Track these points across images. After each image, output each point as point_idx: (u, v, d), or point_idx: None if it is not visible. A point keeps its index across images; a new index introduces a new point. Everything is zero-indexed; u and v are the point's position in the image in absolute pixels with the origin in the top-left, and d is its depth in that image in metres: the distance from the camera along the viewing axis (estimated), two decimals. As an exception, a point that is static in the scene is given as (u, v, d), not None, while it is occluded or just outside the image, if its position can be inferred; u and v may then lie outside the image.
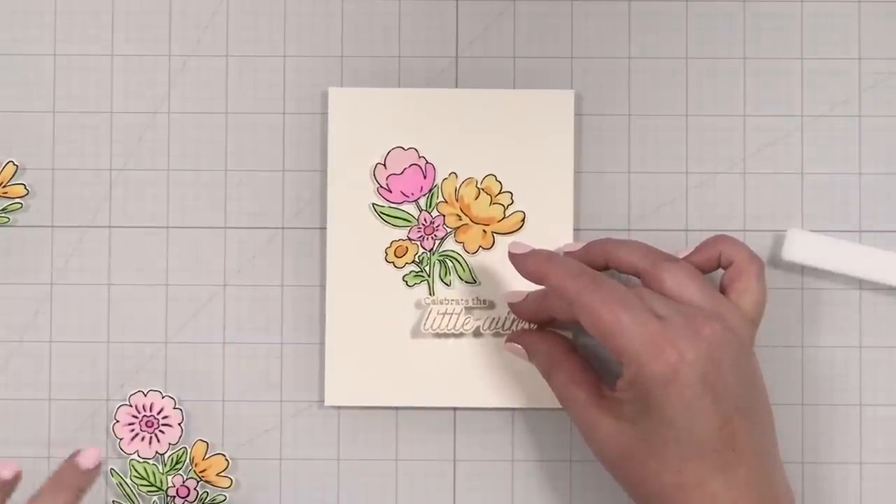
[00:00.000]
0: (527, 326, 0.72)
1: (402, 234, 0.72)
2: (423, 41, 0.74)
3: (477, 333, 0.72)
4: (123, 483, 0.72)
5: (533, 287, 0.68)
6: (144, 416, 0.72)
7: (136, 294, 0.73)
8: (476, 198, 0.72)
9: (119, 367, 0.73)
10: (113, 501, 0.72)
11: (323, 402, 0.72)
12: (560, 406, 0.68)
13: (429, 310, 0.72)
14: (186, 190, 0.73)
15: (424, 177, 0.72)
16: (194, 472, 0.72)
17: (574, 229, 0.72)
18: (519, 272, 0.67)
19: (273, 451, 0.73)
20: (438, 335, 0.72)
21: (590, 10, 0.74)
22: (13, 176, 0.73)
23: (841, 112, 0.73)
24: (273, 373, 0.73)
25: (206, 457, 0.72)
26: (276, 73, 0.74)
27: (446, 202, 0.72)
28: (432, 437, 0.73)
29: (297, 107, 0.74)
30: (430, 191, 0.72)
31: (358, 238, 0.72)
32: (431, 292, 0.72)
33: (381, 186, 0.72)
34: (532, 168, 0.72)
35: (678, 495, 0.62)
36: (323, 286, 0.73)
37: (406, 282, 0.72)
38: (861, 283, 0.73)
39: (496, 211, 0.72)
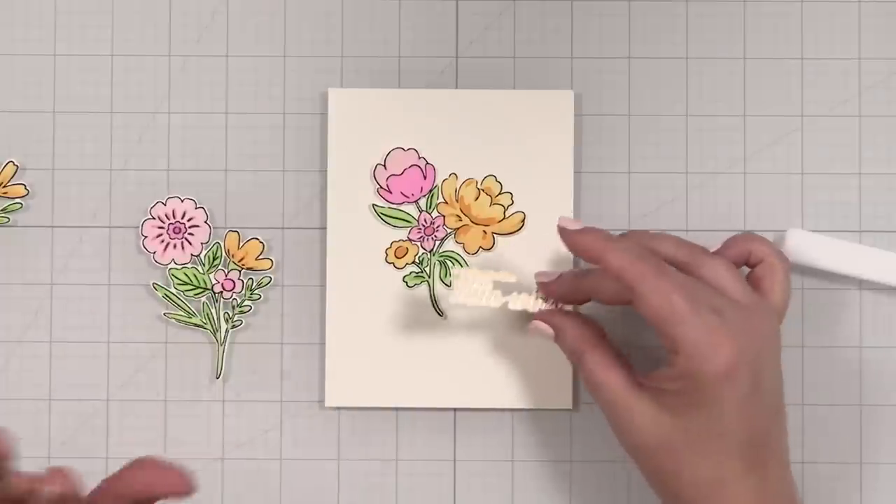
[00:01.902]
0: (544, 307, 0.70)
1: (402, 234, 0.72)
2: (423, 41, 0.74)
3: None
4: (169, 294, 0.72)
5: (564, 267, 0.67)
6: (170, 223, 0.72)
7: (137, 294, 0.73)
8: (476, 198, 0.72)
9: (119, 367, 0.73)
10: (164, 314, 0.73)
11: (323, 402, 0.72)
12: (568, 402, 0.68)
13: (456, 275, 0.69)
14: (187, 190, 0.73)
15: (424, 177, 0.72)
16: (233, 262, 0.73)
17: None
18: (569, 248, 0.66)
19: (273, 451, 0.73)
20: (438, 335, 0.72)
21: (590, 10, 0.74)
22: (13, 176, 0.73)
23: (841, 112, 0.73)
24: (273, 373, 0.73)
25: (241, 245, 0.73)
26: (276, 73, 0.74)
27: (446, 203, 0.72)
28: (432, 437, 0.73)
29: (297, 107, 0.74)
30: (430, 191, 0.72)
31: (358, 238, 0.72)
32: (432, 293, 0.72)
33: (381, 187, 0.72)
34: (532, 168, 0.72)
35: (713, 489, 0.62)
36: (323, 286, 0.73)
37: (406, 282, 0.72)
38: (861, 283, 0.73)
39: (496, 211, 0.72)
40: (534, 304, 0.69)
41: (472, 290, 0.68)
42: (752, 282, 0.67)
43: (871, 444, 0.73)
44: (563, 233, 0.66)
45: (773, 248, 0.67)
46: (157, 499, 0.55)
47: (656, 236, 0.67)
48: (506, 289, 0.69)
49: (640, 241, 0.66)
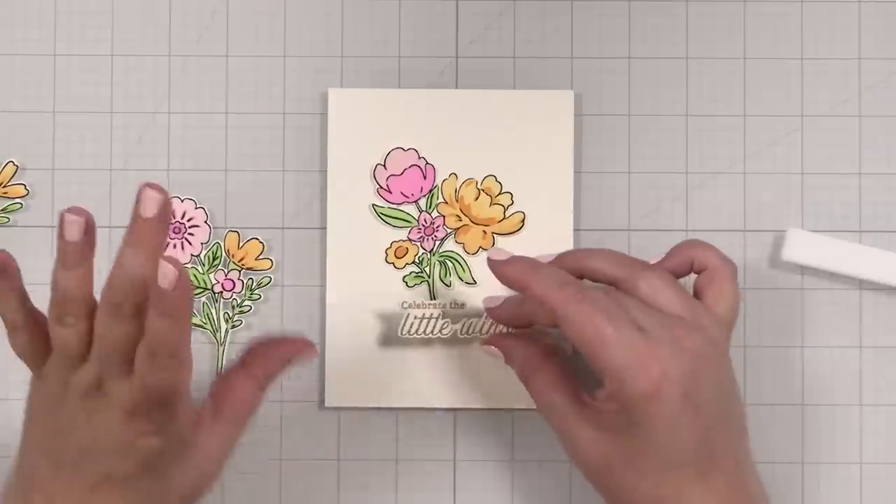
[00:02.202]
0: (503, 329, 0.71)
1: (402, 234, 0.72)
2: (423, 41, 0.74)
3: (454, 338, 0.72)
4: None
5: (510, 291, 0.68)
6: (170, 224, 0.72)
7: (136, 294, 0.73)
8: (476, 198, 0.72)
9: (119, 368, 0.73)
10: None
11: (323, 402, 0.72)
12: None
13: (406, 314, 0.72)
14: (186, 190, 0.73)
15: (424, 177, 0.72)
16: (233, 262, 0.73)
17: (574, 229, 0.72)
18: (499, 280, 0.66)
19: (273, 451, 0.73)
20: (438, 335, 0.72)
21: (590, 10, 0.74)
22: (13, 176, 0.73)
23: (841, 112, 0.73)
24: (273, 373, 0.73)
25: (241, 245, 0.73)
26: (276, 73, 0.74)
27: (446, 203, 0.72)
28: (432, 438, 0.73)
29: (297, 107, 0.74)
30: (430, 191, 0.72)
31: (358, 239, 0.72)
32: (432, 293, 0.72)
33: (381, 187, 0.72)
34: (532, 168, 0.72)
35: None
36: (323, 286, 0.73)
37: (406, 282, 0.72)
38: (861, 283, 0.73)
39: (496, 211, 0.72)
40: (484, 329, 0.71)
41: (423, 321, 0.71)
42: (697, 290, 0.67)
43: (871, 444, 0.73)
44: (491, 265, 0.67)
45: (717, 254, 0.67)
46: (288, 366, 0.68)
47: (592, 253, 0.67)
48: (455, 317, 0.71)
49: (576, 260, 0.67)
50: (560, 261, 0.68)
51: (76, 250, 0.61)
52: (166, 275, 0.58)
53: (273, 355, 0.68)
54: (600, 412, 0.63)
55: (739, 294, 0.66)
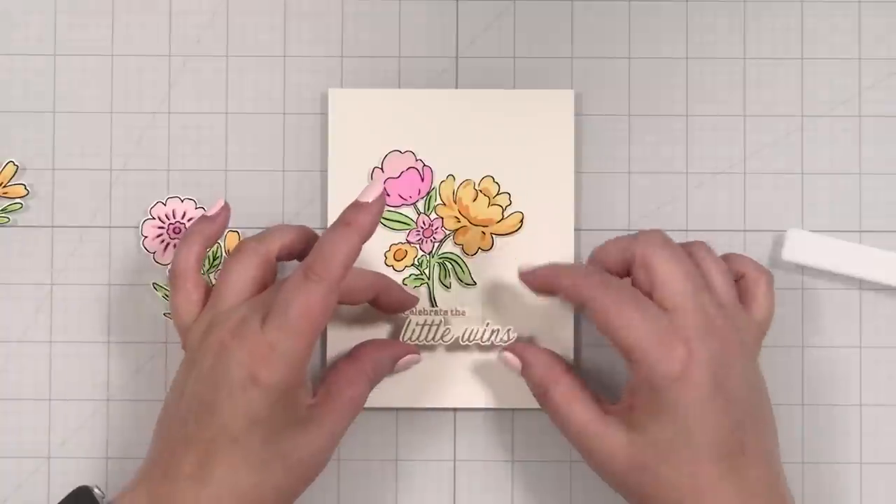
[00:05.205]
0: (513, 340, 0.71)
1: (401, 237, 0.72)
2: (423, 41, 0.74)
3: (455, 346, 0.72)
4: (169, 294, 0.72)
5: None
6: (170, 223, 0.73)
7: (137, 294, 0.73)
8: (474, 199, 0.72)
9: (119, 368, 0.73)
10: (164, 314, 0.73)
11: (323, 402, 0.72)
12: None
13: (407, 320, 0.72)
14: (187, 190, 0.73)
15: (422, 179, 0.72)
16: None
17: (574, 229, 0.72)
18: (530, 289, 0.68)
19: (273, 451, 0.73)
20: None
21: (590, 10, 0.74)
22: (13, 176, 0.73)
23: (841, 112, 0.73)
24: (273, 373, 0.73)
25: None
26: (276, 73, 0.74)
27: (444, 204, 0.72)
28: (432, 438, 0.73)
29: (298, 107, 0.74)
30: (428, 193, 0.72)
31: (357, 240, 0.72)
32: (432, 295, 0.72)
33: (380, 188, 0.72)
34: (531, 168, 0.72)
35: (693, 501, 0.62)
36: (323, 286, 0.73)
37: (406, 285, 0.72)
38: (861, 283, 0.73)
39: (494, 212, 0.72)
40: (485, 336, 0.71)
41: (424, 328, 0.71)
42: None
43: (871, 444, 0.73)
44: (522, 277, 0.68)
45: (752, 263, 0.68)
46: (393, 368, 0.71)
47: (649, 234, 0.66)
48: (457, 324, 0.71)
49: (662, 236, 0.66)
50: (612, 245, 0.67)
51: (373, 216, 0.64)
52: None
53: (384, 355, 0.69)
54: (627, 410, 0.64)
55: (774, 303, 0.67)
